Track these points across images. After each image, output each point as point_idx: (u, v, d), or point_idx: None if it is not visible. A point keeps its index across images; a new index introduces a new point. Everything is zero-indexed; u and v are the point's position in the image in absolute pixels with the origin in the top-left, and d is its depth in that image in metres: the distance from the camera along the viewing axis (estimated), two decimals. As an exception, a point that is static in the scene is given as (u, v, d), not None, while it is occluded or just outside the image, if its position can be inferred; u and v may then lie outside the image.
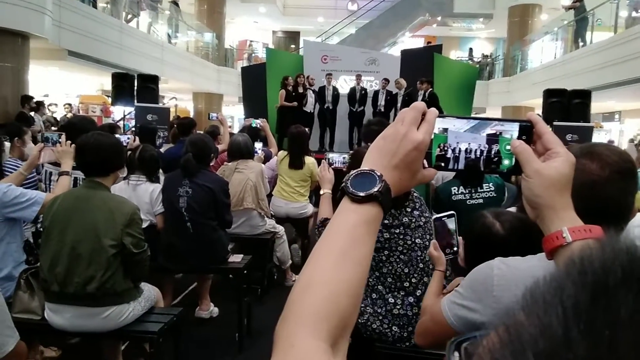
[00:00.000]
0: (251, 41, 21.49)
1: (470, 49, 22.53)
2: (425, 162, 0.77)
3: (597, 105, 11.56)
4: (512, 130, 0.78)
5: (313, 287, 0.64)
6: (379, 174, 0.71)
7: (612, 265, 0.29)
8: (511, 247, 1.50)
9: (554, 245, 0.75)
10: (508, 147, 0.77)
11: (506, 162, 0.78)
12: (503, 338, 0.30)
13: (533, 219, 0.80)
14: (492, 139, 0.78)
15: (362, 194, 0.69)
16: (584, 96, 8.07)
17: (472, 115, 0.81)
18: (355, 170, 0.72)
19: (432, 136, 0.76)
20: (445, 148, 0.78)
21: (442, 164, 0.79)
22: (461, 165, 0.80)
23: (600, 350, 0.26)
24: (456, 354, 0.86)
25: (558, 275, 0.31)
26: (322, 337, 0.59)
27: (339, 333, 0.62)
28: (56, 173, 3.35)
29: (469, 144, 0.78)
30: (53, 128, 9.28)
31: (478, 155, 0.79)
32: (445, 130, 0.78)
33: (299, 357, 0.58)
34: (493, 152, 0.78)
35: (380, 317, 2.20)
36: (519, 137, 0.77)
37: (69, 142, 3.07)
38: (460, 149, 0.79)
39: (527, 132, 0.77)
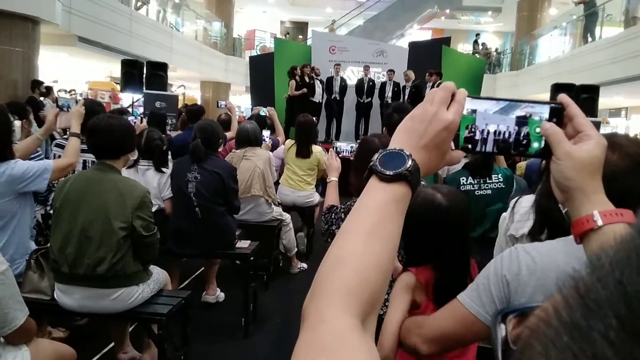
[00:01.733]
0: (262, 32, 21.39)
1: (476, 40, 22.25)
2: (452, 143, 0.75)
3: (604, 101, 11.47)
4: (542, 113, 0.76)
5: (342, 263, 0.63)
6: (408, 153, 0.70)
7: None
8: (453, 215, 1.55)
9: (584, 228, 0.73)
10: (538, 130, 0.75)
11: (535, 144, 0.76)
12: (573, 301, 0.28)
13: (562, 202, 0.78)
14: (522, 121, 0.76)
15: (390, 172, 0.68)
16: (592, 91, 8.03)
17: (502, 97, 0.80)
18: (383, 150, 0.72)
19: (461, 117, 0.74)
20: (473, 129, 0.76)
21: (470, 146, 0.77)
22: (489, 148, 0.77)
23: None
24: (502, 325, 0.85)
25: (629, 237, 0.29)
26: (353, 312, 0.59)
27: (368, 309, 0.61)
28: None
29: (498, 125, 0.76)
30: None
31: (507, 137, 0.77)
32: (474, 111, 0.76)
33: (330, 333, 0.56)
34: (522, 135, 0.76)
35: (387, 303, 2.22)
36: (549, 120, 0.75)
37: (81, 104, 3.11)
38: (488, 130, 0.76)
39: (558, 114, 0.75)
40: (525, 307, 0.91)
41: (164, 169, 3.72)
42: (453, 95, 0.74)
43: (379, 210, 0.67)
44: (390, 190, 0.69)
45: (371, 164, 0.71)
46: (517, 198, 2.13)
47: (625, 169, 1.02)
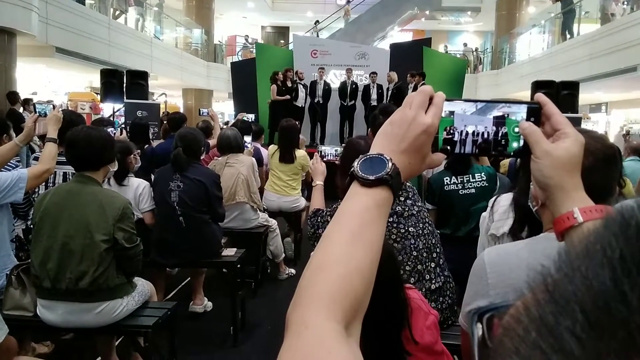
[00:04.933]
0: (247, 37, 21.30)
1: (446, 47, 22.34)
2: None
3: (585, 97, 11.65)
4: (519, 112, 0.77)
5: (325, 269, 0.63)
6: (388, 157, 0.70)
7: None
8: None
9: (565, 225, 0.74)
10: (517, 129, 0.76)
11: (514, 144, 0.77)
12: (542, 297, 0.28)
13: (543, 201, 0.79)
14: (499, 121, 0.77)
15: (372, 177, 0.69)
16: (572, 87, 8.12)
17: (480, 98, 0.80)
18: (363, 155, 0.71)
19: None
20: (452, 131, 0.77)
21: (449, 148, 0.78)
22: (468, 149, 0.78)
23: None
24: (479, 325, 0.85)
25: (596, 232, 0.30)
26: (336, 319, 0.58)
27: (352, 315, 0.61)
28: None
29: (476, 126, 0.77)
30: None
31: (485, 138, 0.77)
32: (452, 113, 0.77)
33: (313, 339, 0.56)
34: (501, 135, 0.77)
35: None
36: (527, 119, 0.76)
37: (58, 108, 3.04)
38: (467, 131, 0.77)
39: (536, 113, 0.76)
40: (500, 306, 0.92)
41: (124, 182, 3.58)
42: (431, 99, 0.74)
43: (360, 216, 0.67)
44: (371, 194, 0.69)
45: (352, 169, 0.71)
46: (495, 197, 2.15)
47: (588, 167, 1.04)
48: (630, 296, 0.25)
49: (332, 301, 0.60)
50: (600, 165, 1.06)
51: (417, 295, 1.59)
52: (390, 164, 0.69)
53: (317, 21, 20.32)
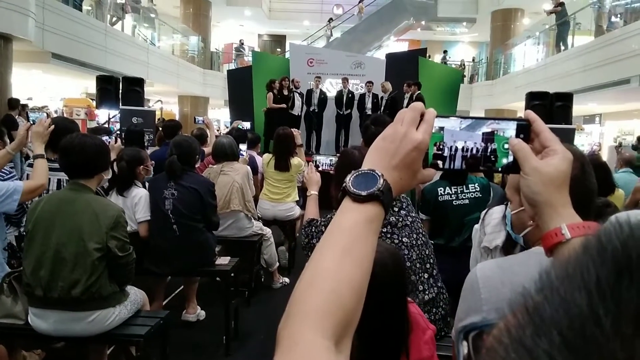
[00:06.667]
0: (241, 42, 21.33)
1: (445, 52, 22.64)
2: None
3: (578, 108, 11.73)
4: (508, 129, 0.78)
5: (316, 285, 0.64)
6: (379, 173, 0.71)
7: (632, 240, 0.29)
8: (381, 276, 1.45)
9: (553, 242, 0.75)
10: (506, 146, 0.78)
11: (503, 160, 0.79)
12: (522, 319, 0.29)
13: (531, 217, 0.80)
14: (489, 137, 0.78)
15: (363, 193, 0.69)
16: (566, 99, 8.16)
17: (470, 115, 0.81)
18: (355, 171, 0.72)
19: None
20: (442, 147, 0.78)
21: (439, 163, 0.79)
22: (457, 164, 0.79)
23: (630, 325, 0.26)
24: (465, 343, 0.86)
25: (575, 255, 0.30)
26: (327, 335, 0.59)
27: (342, 331, 0.61)
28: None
29: (465, 142, 0.78)
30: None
31: (475, 153, 0.79)
32: (442, 129, 0.78)
33: (303, 355, 0.57)
34: (489, 150, 0.79)
35: None
36: (516, 136, 0.77)
37: (40, 122, 3.03)
38: (456, 147, 0.78)
39: (525, 130, 0.78)
40: (484, 325, 0.92)
41: (125, 194, 3.59)
42: (422, 115, 0.75)
43: (352, 231, 0.68)
44: (363, 210, 0.69)
45: (344, 185, 0.72)
46: (486, 210, 2.15)
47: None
48: (604, 320, 0.26)
49: (323, 317, 0.60)
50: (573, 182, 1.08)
51: (415, 309, 1.60)
52: (381, 180, 0.70)
53: (331, 19, 20.36)
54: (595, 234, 0.31)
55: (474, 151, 0.79)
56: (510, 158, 0.78)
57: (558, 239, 0.75)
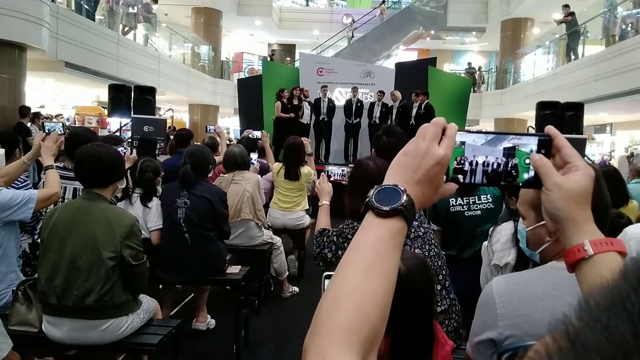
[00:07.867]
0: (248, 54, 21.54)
1: (469, 64, 22.57)
2: None
3: (589, 118, 11.64)
4: (530, 144, 0.79)
5: (342, 300, 0.64)
6: (402, 188, 0.72)
7: None
8: (411, 281, 1.45)
9: (576, 258, 0.75)
10: (527, 161, 0.78)
11: (525, 175, 0.79)
12: (564, 345, 0.29)
13: (553, 232, 0.81)
14: (510, 152, 0.79)
15: (386, 208, 0.70)
16: (577, 108, 8.13)
17: (491, 130, 0.82)
18: (378, 186, 0.73)
19: None
20: (462, 161, 0.79)
21: (460, 177, 0.80)
22: (478, 179, 0.80)
23: None
24: None
25: (615, 283, 0.31)
26: (353, 350, 0.60)
27: (369, 346, 0.62)
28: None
29: (486, 157, 0.79)
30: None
31: (495, 168, 0.79)
32: (463, 143, 0.79)
33: None
34: (510, 165, 0.79)
35: None
36: (537, 151, 0.78)
37: (56, 136, 3.11)
38: (477, 162, 0.79)
39: (546, 145, 0.78)
40: (518, 347, 0.92)
41: (149, 204, 3.65)
42: (444, 130, 0.75)
43: (376, 247, 0.68)
44: (386, 225, 0.70)
45: (367, 199, 0.72)
46: (493, 227, 2.15)
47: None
48: None
49: (350, 333, 0.61)
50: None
51: (435, 323, 1.60)
52: (404, 195, 0.71)
53: (353, 20, 20.43)
54: (633, 260, 0.31)
55: (495, 166, 0.79)
56: (532, 173, 0.78)
57: (581, 255, 0.75)
